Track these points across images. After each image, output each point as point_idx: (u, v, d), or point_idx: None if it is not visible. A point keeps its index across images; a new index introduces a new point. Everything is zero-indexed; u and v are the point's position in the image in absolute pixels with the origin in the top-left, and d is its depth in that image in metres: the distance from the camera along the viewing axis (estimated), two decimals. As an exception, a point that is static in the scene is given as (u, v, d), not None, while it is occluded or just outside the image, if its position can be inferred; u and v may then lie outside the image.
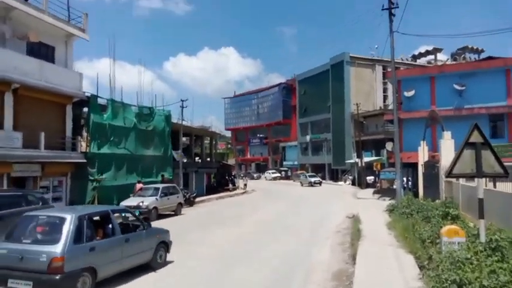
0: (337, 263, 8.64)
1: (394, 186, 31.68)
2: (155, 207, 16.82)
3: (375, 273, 7.07)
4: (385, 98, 55.08)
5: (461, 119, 24.68)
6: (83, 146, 20.81)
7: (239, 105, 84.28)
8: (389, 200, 29.22)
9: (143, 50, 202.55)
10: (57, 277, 6.19)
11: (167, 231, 9.27)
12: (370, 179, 41.32)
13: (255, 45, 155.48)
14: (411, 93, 26.78)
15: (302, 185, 44.33)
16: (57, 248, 6.41)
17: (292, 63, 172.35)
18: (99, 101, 21.41)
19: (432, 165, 20.47)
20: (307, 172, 56.45)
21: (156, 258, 8.58)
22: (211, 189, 35.89)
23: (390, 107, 43.36)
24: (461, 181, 14.50)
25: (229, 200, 30.22)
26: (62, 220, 6.85)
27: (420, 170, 23.13)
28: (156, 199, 17.09)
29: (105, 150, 20.43)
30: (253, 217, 17.46)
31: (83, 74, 20.09)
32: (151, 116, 25.27)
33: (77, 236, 6.73)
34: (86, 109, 20.82)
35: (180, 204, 19.11)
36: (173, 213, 18.51)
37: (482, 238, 6.56)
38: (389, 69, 29.65)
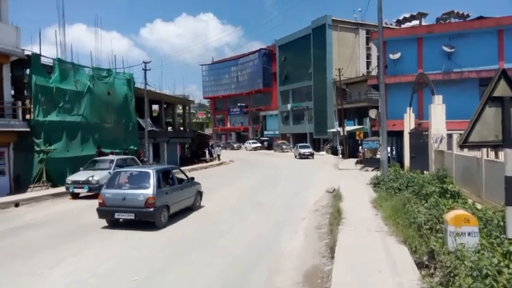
0: (311, 256, 6.77)
1: (377, 156, 30.33)
2: (108, 183, 14.62)
3: (359, 276, 5.19)
4: (368, 64, 53.03)
5: (450, 84, 22.95)
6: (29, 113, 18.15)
7: (218, 72, 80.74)
8: (373, 170, 27.79)
9: (118, 16, 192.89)
10: (151, 209, 9.23)
11: (200, 184, 12.42)
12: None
13: (235, 12, 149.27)
14: (397, 55, 24.75)
15: (295, 157, 38.83)
16: (150, 191, 9.37)
17: (274, 31, 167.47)
18: (46, 61, 18.65)
19: (420, 133, 18.75)
20: (288, 142, 54.87)
21: (196, 203, 11.88)
22: (186, 161, 33.77)
23: (374, 73, 41.45)
24: (455, 150, 12.78)
25: (203, 172, 28.15)
26: (147, 173, 9.81)
27: (406, 139, 21.48)
28: (109, 173, 14.79)
29: (52, 117, 17.85)
30: (223, 192, 15.52)
31: (20, 28, 17.01)
32: (110, 80, 22.53)
33: (158, 184, 9.64)
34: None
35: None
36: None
37: (510, 233, 4.67)
38: (375, 31, 27.43)
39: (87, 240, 8.26)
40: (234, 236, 8.34)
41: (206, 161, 35.98)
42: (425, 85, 19.56)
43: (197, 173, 27.23)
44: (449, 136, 14.58)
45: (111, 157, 15.95)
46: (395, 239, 6.78)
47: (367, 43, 52.81)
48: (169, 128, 34.67)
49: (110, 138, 21.79)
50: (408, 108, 21.49)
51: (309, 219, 9.75)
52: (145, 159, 22.14)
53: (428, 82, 17.33)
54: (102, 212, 9.59)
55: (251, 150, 57.02)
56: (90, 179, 14.18)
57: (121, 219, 9.55)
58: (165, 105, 35.23)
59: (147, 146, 25.80)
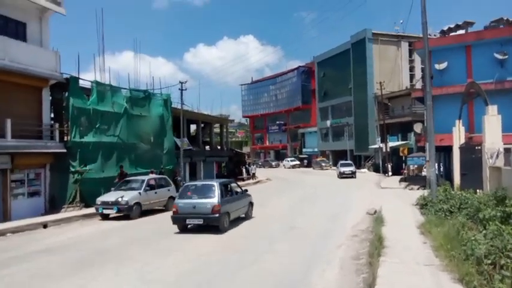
0: (345, 295, 5.75)
1: (423, 173, 28.23)
2: (137, 203, 14.28)
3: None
4: (411, 77, 50.66)
5: (503, 93, 20.95)
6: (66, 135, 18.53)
7: (257, 91, 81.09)
8: (418, 189, 25.83)
9: (163, 42, 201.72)
10: (217, 215, 10.89)
11: (251, 196, 14.07)
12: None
13: (274, 32, 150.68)
14: (443, 65, 23.11)
15: (337, 177, 34.90)
16: (216, 200, 11.01)
17: (313, 48, 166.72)
18: (84, 84, 19.11)
19: (472, 148, 17.03)
20: (327, 159, 53.21)
21: (248, 212, 13.64)
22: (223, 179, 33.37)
23: (418, 86, 39.33)
24: (515, 167, 11.21)
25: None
26: (212, 185, 11.55)
27: (456, 154, 19.65)
28: (139, 193, 14.54)
29: (89, 138, 18.06)
30: (253, 214, 14.67)
31: (59, 53, 17.51)
32: (147, 101, 22.75)
33: (221, 194, 11.28)
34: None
35: (172, 198, 16.53)
36: (164, 208, 15.99)
37: None
38: (418, 41, 25.88)
39: (103, 268, 7.74)
40: (259, 269, 7.40)
41: (243, 179, 35.39)
42: (477, 95, 17.90)
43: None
44: (507, 151, 12.96)
45: (142, 177, 15.72)
46: (449, 276, 5.63)
47: (410, 55, 50.66)
48: (207, 147, 34.62)
49: (146, 158, 21.80)
50: (457, 121, 19.79)
51: (346, 246, 8.68)
52: (179, 178, 21.85)
53: (480, 91, 15.75)
54: (176, 218, 11.40)
55: (289, 168, 55.91)
56: (120, 199, 13.94)
57: (190, 225, 11.54)
58: (202, 125, 35.35)
59: (183, 165, 25.65)
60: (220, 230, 10.99)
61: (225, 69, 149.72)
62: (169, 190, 16.48)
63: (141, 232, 11.78)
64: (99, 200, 14.45)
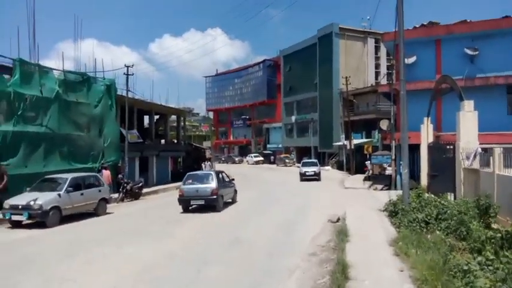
0: None
1: (387, 172, 27.13)
2: (56, 207, 11.68)
3: None
4: (377, 74, 50.18)
5: (473, 91, 19.79)
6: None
7: (221, 84, 78.54)
8: (382, 189, 24.62)
9: (126, 31, 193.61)
10: (215, 197, 13.91)
11: (235, 184, 16.92)
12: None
13: (242, 27, 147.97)
14: (412, 59, 21.79)
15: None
16: (214, 185, 14.09)
17: (281, 44, 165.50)
18: (6, 62, 16.13)
19: (443, 147, 15.73)
20: (290, 155, 51.78)
21: (235, 198, 16.62)
22: (178, 176, 30.89)
23: (384, 82, 38.52)
24: (497, 170, 9.75)
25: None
26: (210, 174, 15.01)
27: (423, 153, 18.43)
28: (59, 195, 11.94)
29: (8, 127, 15.15)
30: (197, 220, 12.54)
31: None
32: (85, 86, 19.90)
33: (218, 180, 14.41)
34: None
35: (104, 201, 14.05)
36: (94, 212, 13.49)
37: None
38: (386, 33, 24.60)
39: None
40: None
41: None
42: (449, 90, 16.60)
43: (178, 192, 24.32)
44: (485, 151, 11.59)
45: (65, 175, 13.07)
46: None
47: (376, 52, 50.10)
48: (163, 141, 31.94)
49: (83, 151, 19.07)
50: (426, 119, 18.60)
51: (301, 271, 6.72)
52: (120, 176, 19.19)
53: (454, 85, 14.38)
54: (182, 200, 14.33)
55: (253, 164, 54.11)
56: (32, 203, 11.29)
57: (193, 206, 14.51)
58: (157, 116, 32.63)
59: (131, 161, 22.96)
60: (217, 209, 14.07)
61: (192, 61, 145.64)
62: (100, 191, 13.93)
63: (49, 247, 9.30)
64: (8, 203, 11.71)
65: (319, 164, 42.18)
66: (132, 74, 21.70)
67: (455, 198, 12.94)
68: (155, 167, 28.06)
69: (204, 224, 12.05)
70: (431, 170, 16.29)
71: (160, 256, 8.05)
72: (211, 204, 13.94)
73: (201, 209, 14.24)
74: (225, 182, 15.54)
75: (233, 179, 16.99)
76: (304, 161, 32.99)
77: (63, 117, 17.95)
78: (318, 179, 27.52)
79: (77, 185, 12.81)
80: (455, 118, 13.50)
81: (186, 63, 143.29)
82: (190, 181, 14.69)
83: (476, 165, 11.65)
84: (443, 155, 15.28)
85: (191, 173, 16.01)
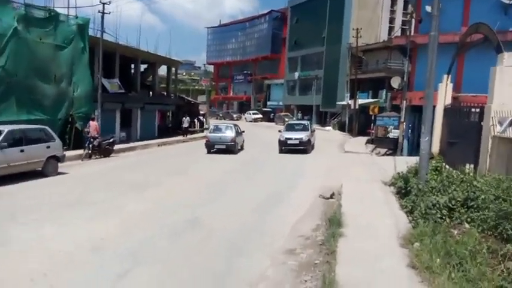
0: None
1: (391, 135, 24.66)
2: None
3: None
4: (390, 30, 46.09)
5: (505, 46, 17.01)
6: None
7: (224, 36, 74.04)
8: (386, 153, 22.32)
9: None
10: (233, 143, 18.45)
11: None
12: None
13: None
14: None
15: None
16: (233, 134, 18.71)
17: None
18: None
19: (464, 110, 13.13)
20: (292, 114, 49.10)
21: (243, 145, 20.98)
22: (166, 132, 28.62)
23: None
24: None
25: (174, 147, 23.16)
26: (231, 126, 19.65)
27: (439, 116, 15.84)
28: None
29: None
30: (152, 191, 10.20)
31: None
32: (52, 23, 17.05)
33: (235, 131, 19.10)
34: None
35: (55, 159, 11.79)
36: (40, 170, 11.28)
37: None
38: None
39: None
40: None
41: (192, 132, 30.77)
42: (480, 42, 13.80)
43: (165, 148, 22.32)
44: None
45: (1, 127, 10.68)
46: None
47: (391, 5, 45.78)
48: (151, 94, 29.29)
49: (47, 100, 16.61)
50: (445, 76, 15.80)
51: (268, 282, 4.49)
52: (86, 129, 16.78)
53: (491, 34, 11.61)
54: (208, 145, 18.72)
55: (251, 121, 51.53)
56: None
57: (216, 148, 18.45)
58: (146, 66, 29.82)
59: (100, 113, 19.87)
60: (235, 152, 18.42)
61: (198, 13, 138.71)
62: (49, 147, 11.59)
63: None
64: None
65: (319, 123, 39.19)
66: (109, 13, 18.71)
67: (475, 170, 10.64)
68: (139, 121, 25.68)
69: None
70: (448, 136, 13.77)
71: (87, 246, 5.86)
72: (230, 149, 18.22)
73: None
74: (238, 133, 19.75)
75: (243, 131, 21.07)
76: (289, 122, 25.03)
77: (22, 59, 15.34)
78: (306, 150, 18.98)
79: (15, 140, 10.47)
80: (479, 77, 11.00)
81: (191, 14, 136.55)
82: (214, 130, 19.46)
83: (510, 133, 9.16)
84: (465, 119, 12.73)
85: (216, 124, 21.59)
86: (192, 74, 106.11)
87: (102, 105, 20.46)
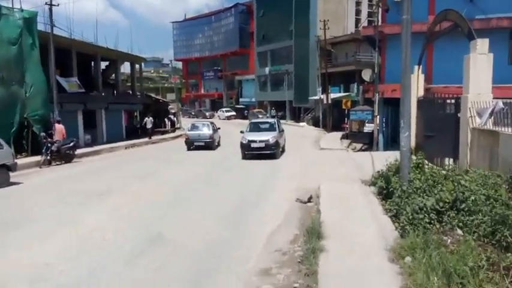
0: None
1: (366, 130, 24.49)
2: None
3: None
4: (357, 22, 46.19)
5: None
6: None
7: (190, 30, 72.27)
8: (361, 148, 22.12)
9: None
10: (212, 140, 19.86)
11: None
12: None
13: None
14: (402, -4, 18.26)
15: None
16: (211, 131, 20.11)
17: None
18: None
19: (439, 101, 12.83)
20: (265, 111, 48.48)
21: (219, 141, 21.83)
22: (134, 133, 27.28)
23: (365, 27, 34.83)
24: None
25: (143, 149, 22.05)
26: (208, 123, 21.07)
27: (413, 108, 15.55)
28: None
29: None
30: (114, 201, 9.20)
31: None
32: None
33: (213, 129, 20.82)
34: None
35: (5, 168, 10.57)
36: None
37: None
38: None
39: None
40: None
41: (163, 133, 29.59)
42: (448, 31, 13.51)
43: (132, 151, 21.17)
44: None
45: None
46: None
47: (357, -4, 45.80)
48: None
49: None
50: (416, 67, 15.51)
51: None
52: (42, 134, 15.46)
53: (461, 21, 11.29)
54: (188, 142, 19.99)
55: (224, 119, 50.57)
56: None
57: (195, 145, 19.63)
58: (107, 63, 28.27)
59: (57, 115, 18.25)
60: (213, 148, 19.78)
61: (163, 9, 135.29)
62: (-5, 155, 10.39)
63: None
64: None
65: (293, 119, 38.86)
66: (58, 5, 17.24)
67: (456, 165, 10.31)
68: (104, 122, 24.26)
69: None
70: (424, 130, 13.46)
71: (26, 276, 4.90)
72: (208, 145, 19.56)
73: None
74: (215, 130, 20.94)
75: (219, 128, 22.05)
76: (252, 121, 21.24)
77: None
78: (274, 155, 15.79)
79: None
80: (448, 67, 10.60)
81: (155, 9, 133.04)
82: (193, 128, 20.50)
83: (490, 125, 8.82)
84: (441, 110, 12.43)
85: (193, 122, 22.14)
86: (161, 71, 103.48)
87: (62, 107, 19.08)
